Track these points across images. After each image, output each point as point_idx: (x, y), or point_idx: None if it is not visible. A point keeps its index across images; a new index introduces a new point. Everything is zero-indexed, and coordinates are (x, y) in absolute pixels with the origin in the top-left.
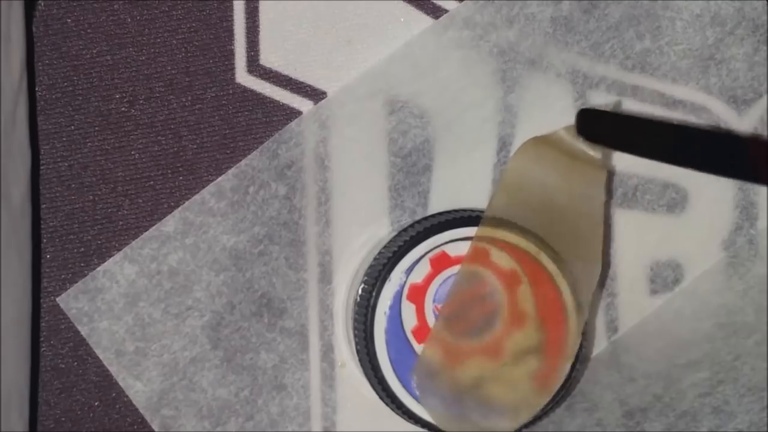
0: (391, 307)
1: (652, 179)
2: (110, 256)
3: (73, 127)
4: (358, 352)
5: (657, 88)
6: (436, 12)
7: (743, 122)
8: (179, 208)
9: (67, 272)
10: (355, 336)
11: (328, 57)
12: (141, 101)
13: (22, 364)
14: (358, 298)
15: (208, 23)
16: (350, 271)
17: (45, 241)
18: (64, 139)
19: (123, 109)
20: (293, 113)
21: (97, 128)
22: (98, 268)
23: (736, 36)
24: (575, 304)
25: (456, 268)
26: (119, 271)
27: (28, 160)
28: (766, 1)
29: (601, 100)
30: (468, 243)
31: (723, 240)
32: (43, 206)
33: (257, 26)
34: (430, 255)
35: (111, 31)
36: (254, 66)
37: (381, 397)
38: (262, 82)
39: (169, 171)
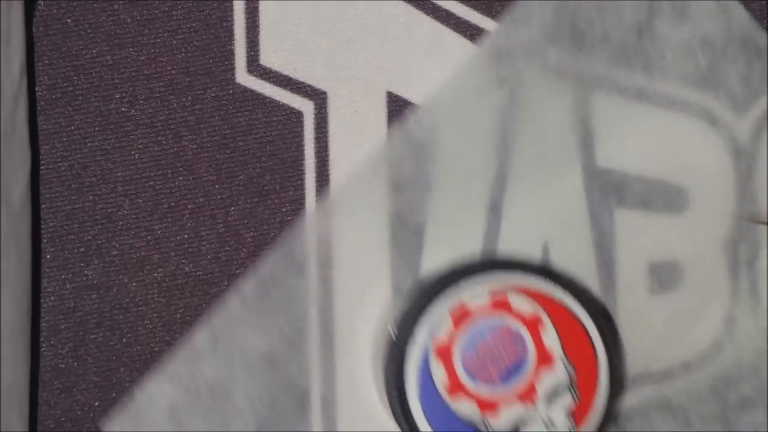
0: (420, 369)
1: (652, 179)
2: (110, 257)
3: (73, 127)
4: (395, 416)
5: (654, 87)
6: (436, 12)
7: (744, 124)
8: (206, 321)
9: (67, 272)
10: (391, 404)
11: (328, 57)
12: (141, 101)
13: (22, 364)
14: (388, 364)
15: (208, 23)
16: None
17: (45, 241)
18: (64, 139)
19: (123, 109)
20: (293, 113)
21: (97, 128)
22: (136, 391)
23: (728, 55)
24: (600, 336)
25: (478, 320)
26: (158, 392)
27: (28, 160)
28: (767, 2)
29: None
30: (486, 291)
31: (723, 240)
32: (43, 206)
33: (257, 26)
34: (450, 310)
35: (111, 31)
36: (254, 66)
37: None
38: (262, 82)
39: (169, 171)
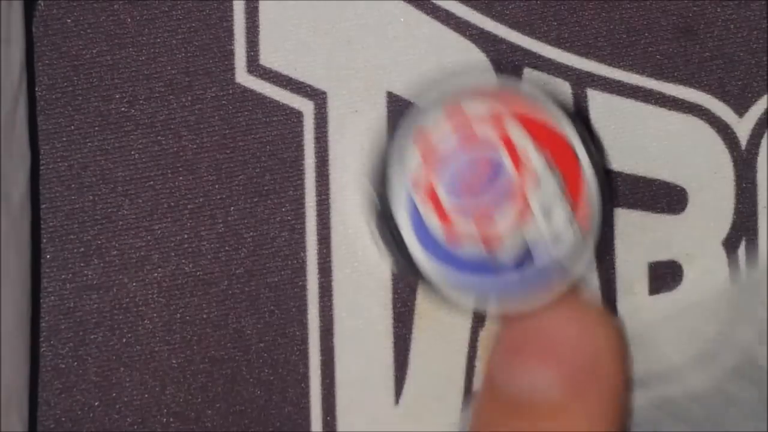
0: (416, 228)
1: (652, 179)
2: (110, 257)
3: (73, 127)
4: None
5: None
6: (436, 12)
7: (744, 124)
8: None
9: (67, 272)
10: (402, 272)
11: (328, 57)
12: (141, 101)
13: (22, 364)
14: (385, 237)
15: (208, 23)
16: None
17: (45, 241)
18: (64, 139)
19: (123, 109)
20: (293, 113)
21: (97, 128)
22: None
23: None
24: (574, 131)
25: (450, 159)
26: None
27: (28, 160)
28: (766, 2)
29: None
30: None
31: (723, 240)
32: (43, 206)
33: (257, 26)
34: (422, 154)
35: (111, 31)
36: (254, 66)
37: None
38: (262, 82)
39: (169, 171)
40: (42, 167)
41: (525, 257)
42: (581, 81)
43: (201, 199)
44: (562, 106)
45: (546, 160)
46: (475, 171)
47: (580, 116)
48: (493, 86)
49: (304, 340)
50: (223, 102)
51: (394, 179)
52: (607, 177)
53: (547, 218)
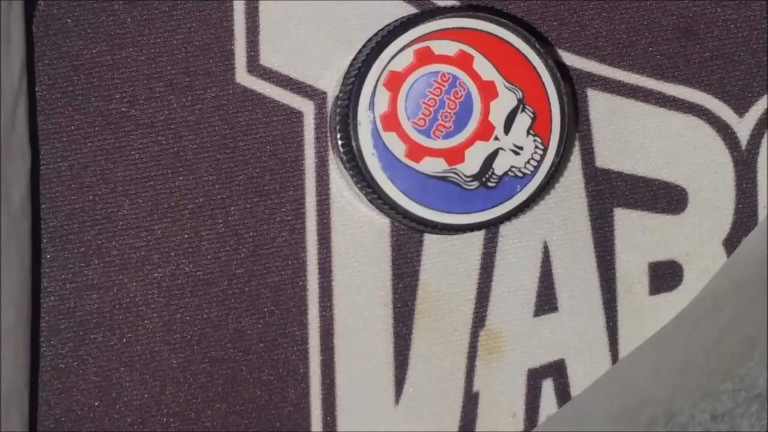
0: (377, 149)
1: (652, 179)
2: (110, 257)
3: (73, 127)
4: (379, 210)
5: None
6: None
7: (744, 124)
8: None
9: (67, 272)
10: (370, 202)
11: (328, 57)
12: (141, 101)
13: (21, 364)
14: (350, 167)
15: (208, 23)
16: None
17: (45, 241)
18: (64, 139)
19: (123, 109)
20: (293, 113)
21: (97, 128)
22: None
23: None
24: (534, 51)
25: (410, 78)
26: None
27: (28, 160)
28: (766, 2)
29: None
30: (410, 51)
31: (723, 240)
32: (43, 206)
33: (257, 26)
34: (383, 81)
35: (111, 31)
36: (254, 66)
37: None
38: (262, 82)
39: (169, 171)
40: (42, 167)
41: (486, 169)
42: (581, 81)
43: (201, 199)
44: (525, 36)
45: (507, 79)
46: (434, 88)
47: (542, 42)
48: (463, 25)
49: (304, 340)
50: (223, 102)
51: (358, 115)
52: (568, 99)
53: (507, 131)
